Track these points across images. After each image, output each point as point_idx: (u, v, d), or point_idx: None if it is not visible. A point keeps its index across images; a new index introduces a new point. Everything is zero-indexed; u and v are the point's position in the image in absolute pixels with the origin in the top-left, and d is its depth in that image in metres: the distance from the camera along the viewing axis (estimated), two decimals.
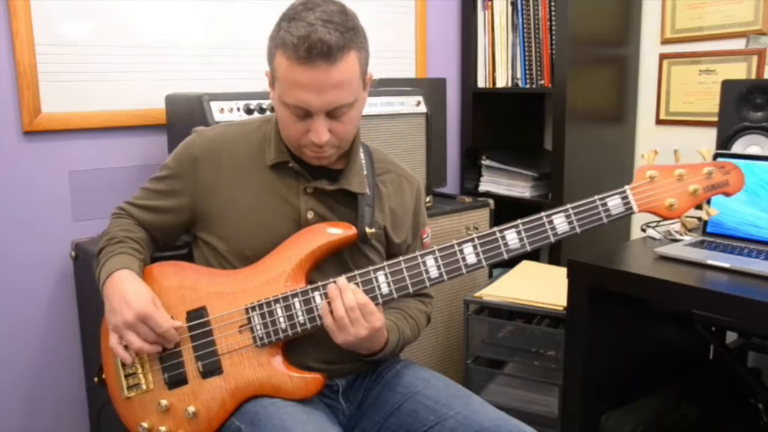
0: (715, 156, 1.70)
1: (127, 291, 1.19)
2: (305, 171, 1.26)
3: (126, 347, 1.20)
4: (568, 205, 1.17)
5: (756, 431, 1.87)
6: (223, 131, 1.33)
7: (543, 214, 1.18)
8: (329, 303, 1.17)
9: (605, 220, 1.17)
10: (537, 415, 1.92)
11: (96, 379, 1.30)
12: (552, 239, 1.17)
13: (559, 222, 1.17)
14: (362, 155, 1.33)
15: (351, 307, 1.14)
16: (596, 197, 1.18)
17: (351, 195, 1.28)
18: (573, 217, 1.17)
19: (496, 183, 2.56)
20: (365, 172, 1.31)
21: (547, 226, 1.17)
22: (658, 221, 1.91)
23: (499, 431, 1.16)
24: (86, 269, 1.73)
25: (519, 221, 1.18)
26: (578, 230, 1.17)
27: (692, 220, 1.18)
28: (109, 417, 1.34)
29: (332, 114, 1.16)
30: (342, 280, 1.17)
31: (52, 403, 1.90)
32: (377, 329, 1.17)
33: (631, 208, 1.17)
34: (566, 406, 1.73)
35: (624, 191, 1.18)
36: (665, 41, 2.41)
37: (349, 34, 1.13)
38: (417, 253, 1.19)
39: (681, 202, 1.17)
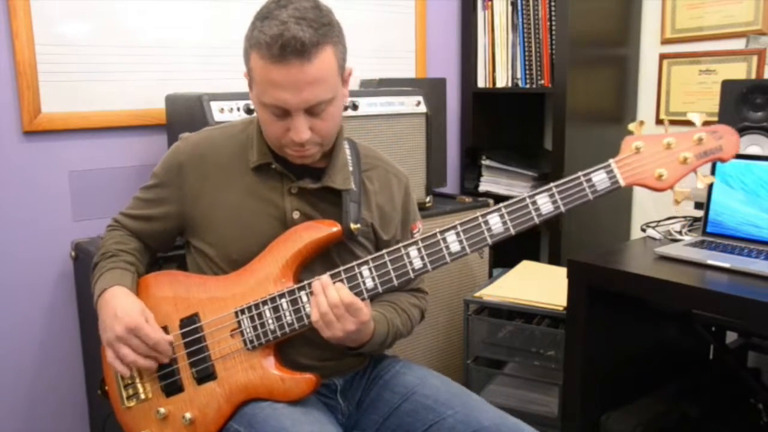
0: None
1: (117, 306, 1.19)
2: (288, 171, 1.25)
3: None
4: (551, 184, 1.14)
5: (756, 431, 1.87)
6: (208, 135, 1.32)
7: (526, 195, 1.14)
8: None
9: (591, 197, 1.12)
10: (537, 415, 1.92)
11: (99, 391, 1.31)
12: (536, 221, 1.13)
13: (543, 202, 1.13)
14: (348, 151, 1.31)
15: (335, 303, 1.13)
16: (580, 173, 1.13)
17: (336, 192, 1.27)
18: (557, 196, 1.13)
19: (496, 183, 2.56)
20: (351, 168, 1.29)
21: (531, 208, 1.14)
22: (658, 221, 1.91)
23: (499, 430, 1.16)
24: (86, 269, 1.72)
25: (501, 204, 1.15)
26: (563, 209, 1.13)
27: (685, 191, 1.12)
28: (113, 427, 1.34)
29: (312, 111, 1.15)
30: (325, 277, 1.17)
31: (52, 403, 1.90)
32: (364, 323, 1.16)
33: (617, 181, 1.12)
34: (566, 406, 1.73)
35: (608, 165, 1.13)
36: (665, 41, 2.41)
37: (324, 29, 1.11)
38: (400, 244, 1.18)
39: (671, 172, 1.10)
